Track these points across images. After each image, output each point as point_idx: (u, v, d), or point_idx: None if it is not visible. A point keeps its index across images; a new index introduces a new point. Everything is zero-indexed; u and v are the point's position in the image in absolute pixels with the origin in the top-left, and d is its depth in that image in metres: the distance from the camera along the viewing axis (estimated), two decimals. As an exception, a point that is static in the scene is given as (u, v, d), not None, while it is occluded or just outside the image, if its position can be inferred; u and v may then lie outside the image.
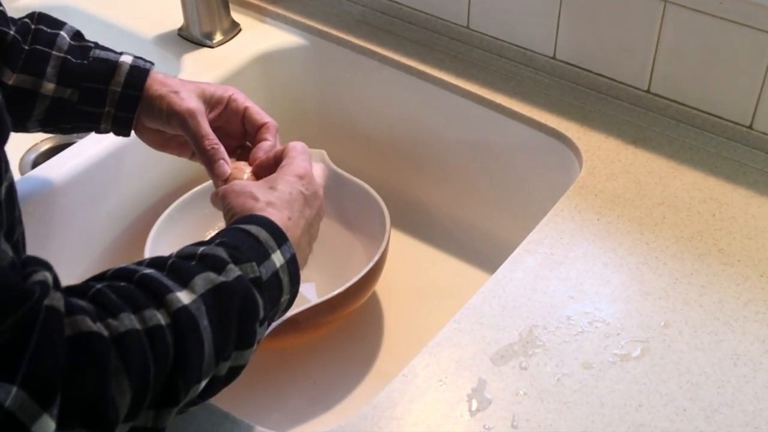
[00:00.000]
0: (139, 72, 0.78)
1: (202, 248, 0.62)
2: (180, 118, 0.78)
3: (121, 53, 0.80)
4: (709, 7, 0.84)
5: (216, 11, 1.06)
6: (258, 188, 0.71)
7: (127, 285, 0.57)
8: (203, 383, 0.58)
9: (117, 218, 0.97)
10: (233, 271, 0.60)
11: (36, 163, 1.11)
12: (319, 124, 1.14)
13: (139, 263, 0.60)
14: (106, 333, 0.52)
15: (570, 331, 0.73)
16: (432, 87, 1.01)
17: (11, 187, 0.57)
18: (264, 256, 0.64)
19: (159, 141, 0.83)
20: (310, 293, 1.01)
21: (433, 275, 1.06)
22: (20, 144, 1.13)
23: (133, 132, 0.82)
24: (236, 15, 1.10)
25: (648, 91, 0.93)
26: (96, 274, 0.59)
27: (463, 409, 0.67)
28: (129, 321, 0.54)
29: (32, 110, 0.78)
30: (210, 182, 0.99)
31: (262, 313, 0.62)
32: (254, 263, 0.62)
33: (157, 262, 0.60)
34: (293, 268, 0.66)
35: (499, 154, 1.00)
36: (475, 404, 0.67)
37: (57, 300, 0.49)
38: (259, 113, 0.83)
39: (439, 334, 0.72)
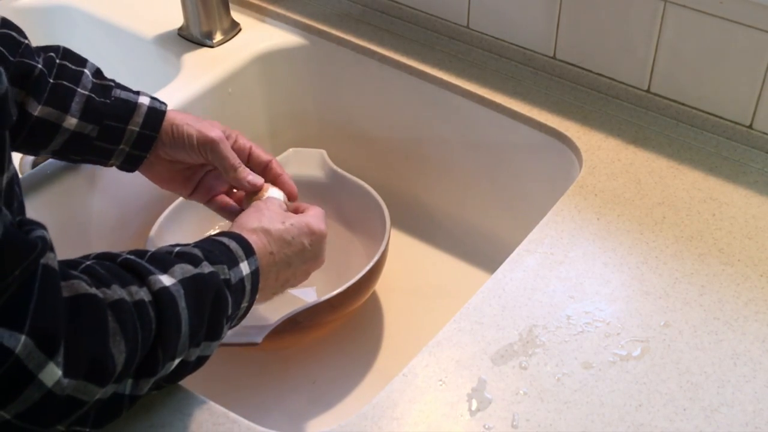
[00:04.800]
0: (156, 113, 0.83)
1: (178, 248, 0.67)
2: (211, 145, 0.84)
3: (138, 93, 0.84)
4: (709, 7, 0.84)
5: (216, 11, 1.06)
6: (272, 216, 0.78)
7: (112, 264, 0.61)
8: (176, 362, 0.63)
9: (117, 218, 0.97)
10: (207, 267, 0.66)
11: (36, 163, 1.11)
12: (319, 124, 1.14)
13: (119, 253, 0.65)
14: (102, 296, 0.56)
15: (570, 330, 0.73)
16: (432, 87, 1.01)
17: (13, 179, 0.58)
18: (234, 262, 0.69)
19: (164, 176, 0.88)
20: (310, 293, 1.01)
21: (433, 275, 1.06)
22: (20, 144, 1.13)
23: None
24: (236, 15, 1.10)
25: (648, 91, 0.93)
26: (79, 257, 0.62)
27: (463, 408, 0.67)
28: (120, 292, 0.58)
29: (51, 141, 0.81)
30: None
31: (230, 310, 0.67)
32: (225, 266, 0.67)
33: (137, 252, 0.65)
34: (255, 279, 0.71)
35: (499, 154, 1.00)
36: (475, 404, 0.67)
37: (52, 260, 0.52)
38: (264, 152, 0.89)
39: (439, 334, 0.72)
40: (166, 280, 0.62)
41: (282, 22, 1.10)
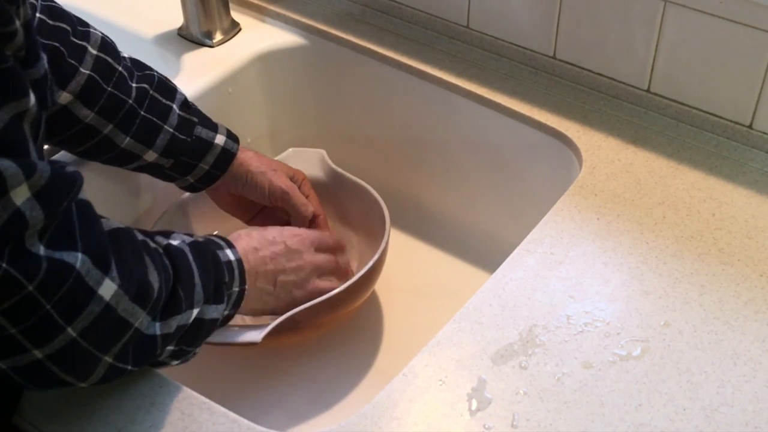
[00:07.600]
0: (227, 155, 0.89)
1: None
2: (282, 193, 0.91)
3: (216, 129, 0.89)
4: (709, 7, 0.84)
5: (216, 11, 1.06)
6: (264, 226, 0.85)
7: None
8: (194, 313, 0.67)
9: (116, 218, 0.96)
10: (201, 238, 0.73)
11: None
12: (319, 124, 1.14)
13: None
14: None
15: (570, 330, 0.73)
16: (432, 87, 1.01)
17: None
18: (219, 246, 0.75)
19: (228, 204, 0.94)
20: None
21: (433, 275, 1.06)
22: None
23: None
24: (236, 14, 1.10)
25: (648, 91, 0.93)
26: None
27: (463, 408, 0.67)
28: (141, 236, 0.65)
29: (127, 166, 0.87)
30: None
31: (226, 277, 0.72)
32: (213, 248, 0.73)
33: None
34: (241, 267, 0.76)
35: (499, 153, 1.00)
36: (475, 404, 0.67)
37: (84, 192, 0.58)
38: (318, 205, 0.95)
39: (439, 334, 0.72)
40: (171, 240, 0.69)
41: (282, 22, 1.10)
